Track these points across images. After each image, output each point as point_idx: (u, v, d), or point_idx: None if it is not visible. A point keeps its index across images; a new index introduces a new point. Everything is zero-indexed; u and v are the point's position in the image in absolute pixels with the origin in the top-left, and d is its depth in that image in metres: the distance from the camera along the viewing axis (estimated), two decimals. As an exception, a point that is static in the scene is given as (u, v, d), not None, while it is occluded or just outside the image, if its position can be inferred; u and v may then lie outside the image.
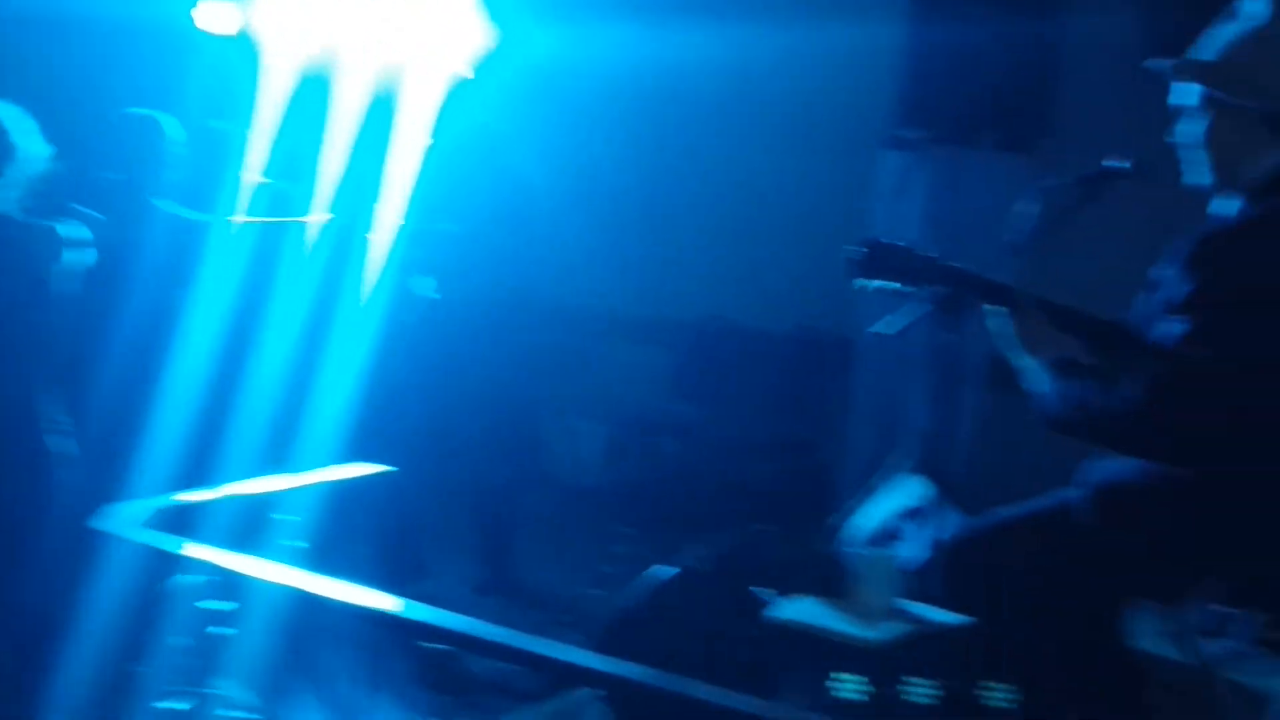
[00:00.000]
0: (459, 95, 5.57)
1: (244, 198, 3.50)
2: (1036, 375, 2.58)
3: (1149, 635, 3.06)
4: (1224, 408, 2.32)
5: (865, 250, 2.66)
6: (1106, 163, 2.81)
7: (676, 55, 5.68)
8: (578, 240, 6.10)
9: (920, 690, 2.36)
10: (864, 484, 4.64)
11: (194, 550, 2.10)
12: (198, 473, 2.93)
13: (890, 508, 4.08)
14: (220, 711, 2.37)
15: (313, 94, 3.76)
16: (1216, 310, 2.34)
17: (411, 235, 4.71)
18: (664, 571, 3.06)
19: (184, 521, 2.41)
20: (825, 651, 2.38)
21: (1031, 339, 2.61)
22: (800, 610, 2.46)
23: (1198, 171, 2.57)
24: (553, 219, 5.99)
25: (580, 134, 6.11)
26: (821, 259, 3.52)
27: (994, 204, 4.04)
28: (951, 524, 2.96)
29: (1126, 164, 2.76)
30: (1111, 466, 2.58)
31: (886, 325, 3.16)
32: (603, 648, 2.85)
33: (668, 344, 6.51)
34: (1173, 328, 2.39)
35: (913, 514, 3.88)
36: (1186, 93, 2.56)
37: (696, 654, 2.85)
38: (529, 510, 5.82)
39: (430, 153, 5.18)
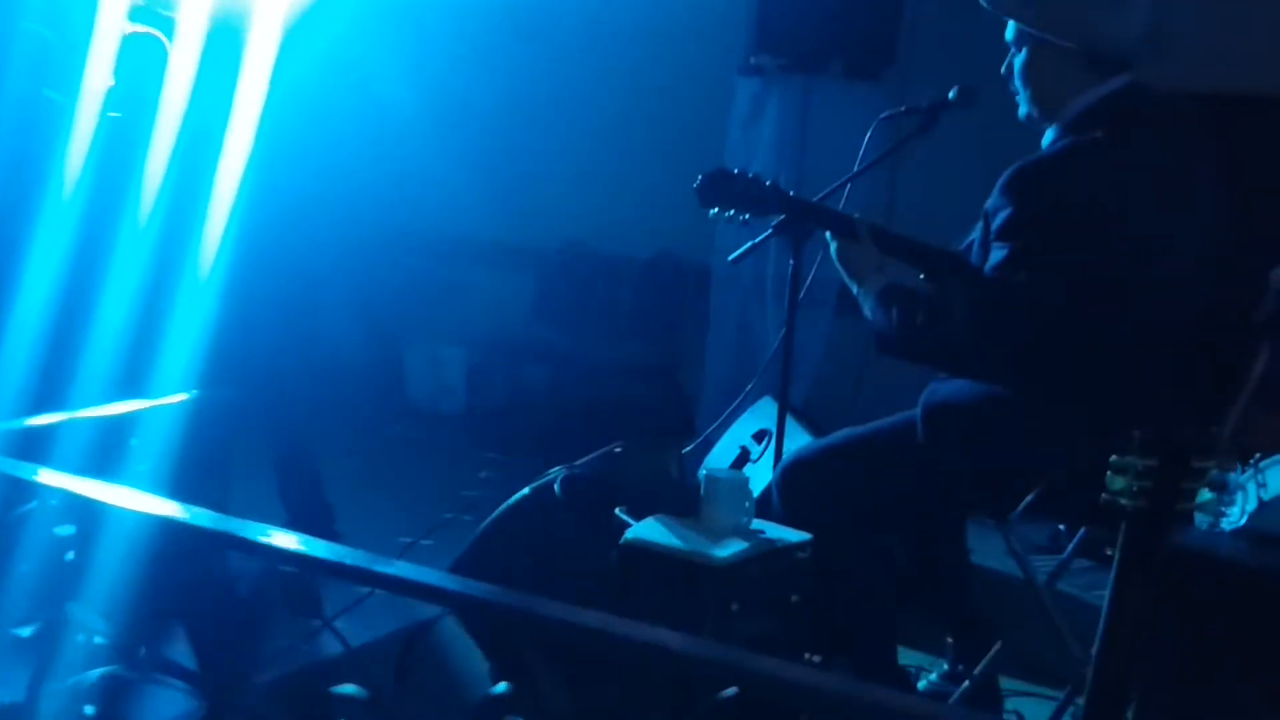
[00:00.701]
0: (312, 18, 5.49)
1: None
2: (869, 301, 2.70)
3: (982, 550, 3.24)
4: (1039, 328, 2.46)
5: (705, 179, 2.74)
6: (950, 94, 2.93)
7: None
8: (437, 166, 6.09)
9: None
10: (720, 407, 4.77)
11: (44, 476, 2.10)
12: (47, 396, 2.90)
13: (742, 432, 4.21)
14: (73, 636, 2.39)
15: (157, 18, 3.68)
16: (1030, 236, 2.46)
17: (266, 160, 4.65)
18: (520, 495, 3.12)
19: (33, 446, 2.40)
20: (675, 570, 2.47)
21: (864, 266, 2.72)
22: (654, 530, 2.54)
23: (1022, 103, 2.69)
24: (412, 145, 5.97)
25: (437, 59, 6.07)
26: (679, 186, 3.60)
27: (845, 131, 4.16)
28: (797, 445, 3.08)
29: (954, 94, 2.88)
30: (944, 388, 2.71)
31: (732, 254, 3.27)
32: (462, 570, 2.92)
33: (529, 270, 6.53)
34: (993, 255, 2.52)
35: (762, 437, 4.01)
36: (1010, 27, 2.67)
37: (553, 577, 2.93)
38: (391, 436, 5.86)
39: (283, 75, 5.12)
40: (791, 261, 3.05)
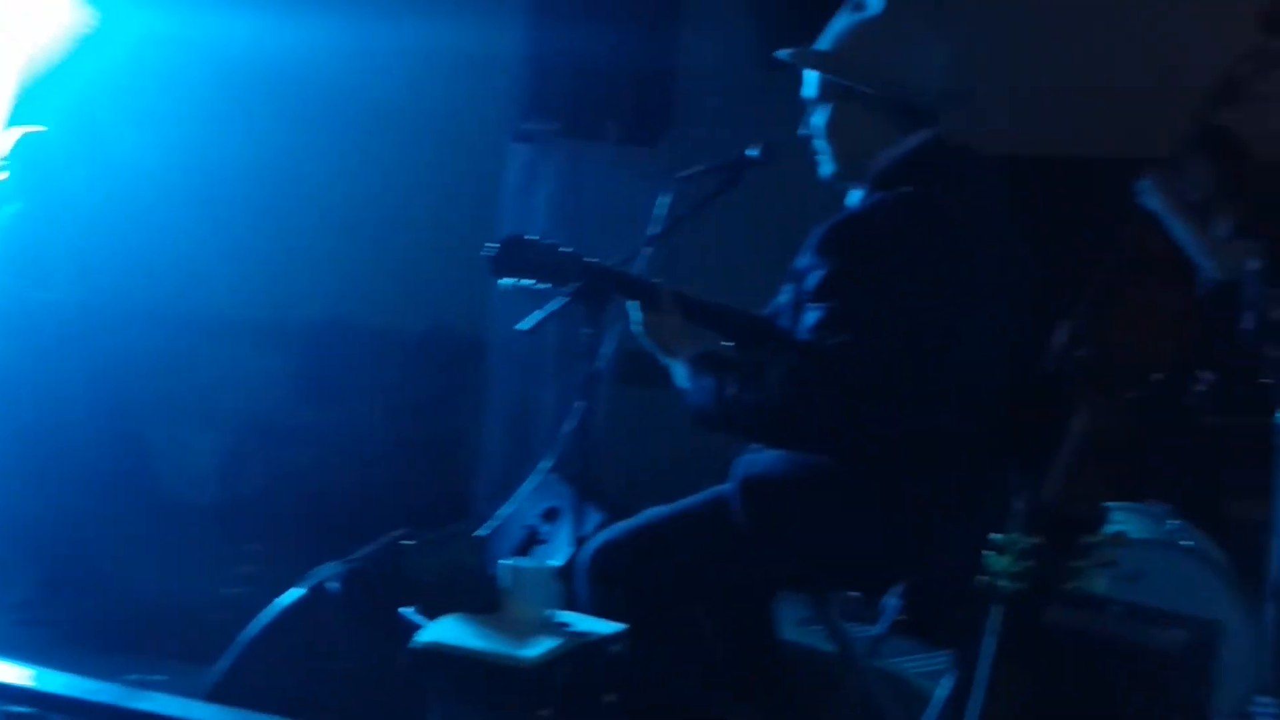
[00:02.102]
0: (56, 79, 5.08)
1: None
2: (679, 371, 2.53)
3: (797, 625, 3.07)
4: (862, 392, 2.32)
5: (500, 247, 2.53)
6: (747, 151, 2.80)
7: (297, 45, 5.38)
8: (186, 238, 5.69)
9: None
10: (498, 487, 4.52)
11: None
12: None
13: (531, 510, 3.97)
14: None
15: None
16: (850, 295, 2.34)
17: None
18: (294, 594, 2.81)
19: None
20: (476, 675, 2.20)
21: (670, 335, 2.56)
22: (450, 630, 2.27)
23: (826, 161, 2.58)
24: (159, 215, 5.57)
25: (189, 124, 5.71)
26: (451, 256, 3.37)
27: (620, 197, 4.02)
28: (593, 523, 2.87)
29: (757, 152, 2.75)
30: (759, 459, 2.55)
31: (526, 322, 3.05)
32: (223, 687, 2.59)
33: (289, 347, 6.17)
34: (808, 317, 2.38)
35: (552, 515, 3.78)
36: (811, 83, 2.56)
37: (334, 688, 2.63)
38: (136, 531, 5.37)
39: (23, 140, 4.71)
40: (587, 331, 2.88)
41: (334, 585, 2.83)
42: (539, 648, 2.23)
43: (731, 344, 2.67)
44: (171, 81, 5.45)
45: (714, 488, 2.59)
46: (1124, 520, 3.43)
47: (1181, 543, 3.28)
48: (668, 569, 2.48)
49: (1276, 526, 3.09)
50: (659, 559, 2.49)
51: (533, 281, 2.58)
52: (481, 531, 3.07)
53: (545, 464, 3.39)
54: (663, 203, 2.90)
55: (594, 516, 3.36)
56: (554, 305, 2.93)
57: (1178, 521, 3.40)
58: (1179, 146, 3.73)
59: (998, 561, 1.33)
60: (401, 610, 2.42)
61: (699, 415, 2.48)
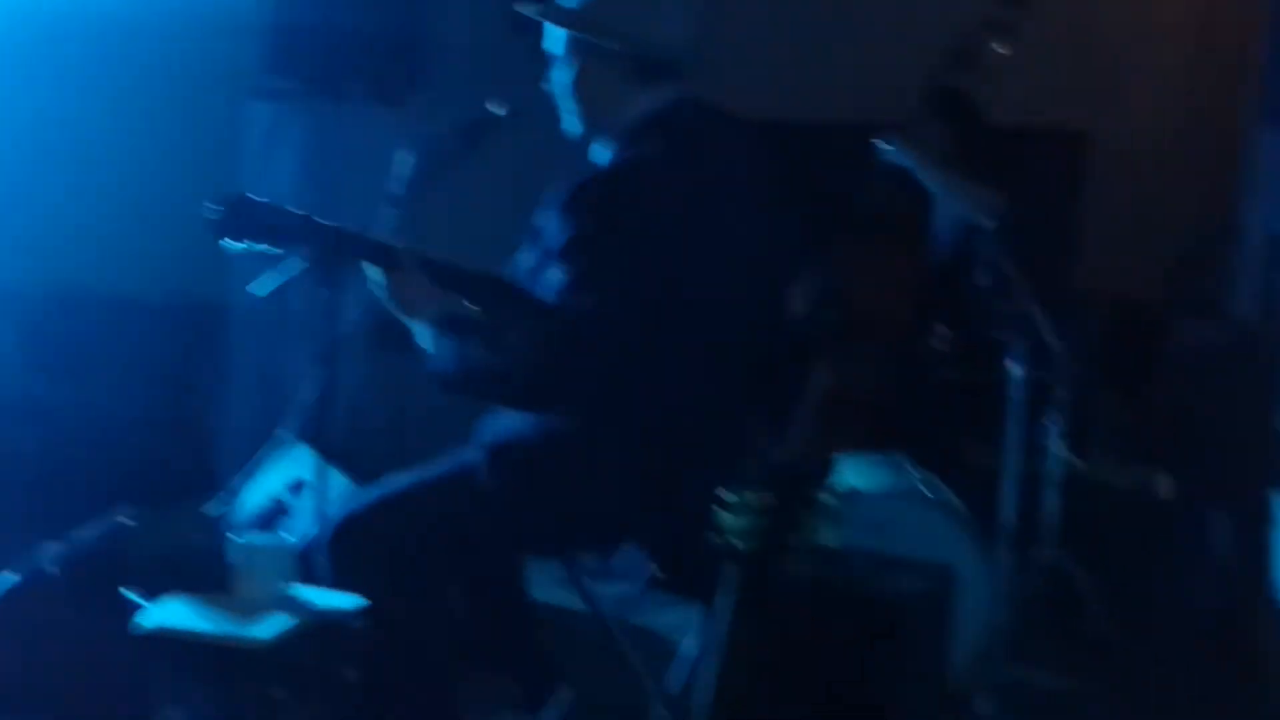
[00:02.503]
0: None
1: None
2: (422, 334, 2.45)
3: (549, 586, 3.03)
4: (610, 354, 2.29)
5: (224, 209, 2.39)
6: (491, 109, 2.72)
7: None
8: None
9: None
10: (246, 459, 4.34)
11: None
12: None
13: (274, 483, 3.81)
14: None
15: None
16: (597, 256, 2.29)
17: None
18: (7, 580, 2.63)
19: None
20: (205, 658, 2.09)
21: (413, 297, 2.46)
22: (174, 612, 2.14)
23: (571, 118, 2.53)
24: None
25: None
26: (189, 219, 3.20)
27: (368, 157, 3.89)
28: (341, 495, 2.77)
29: (503, 110, 2.68)
30: (505, 423, 2.49)
31: (259, 286, 2.91)
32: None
33: (11, 317, 5.79)
34: (553, 278, 2.32)
35: (298, 488, 3.64)
36: (556, 39, 2.50)
37: (53, 676, 2.46)
38: None
39: None
40: (328, 294, 2.76)
41: (52, 568, 2.65)
42: (271, 627, 2.13)
43: (477, 306, 2.60)
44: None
45: (457, 453, 2.52)
46: (869, 472, 3.50)
47: (922, 493, 3.37)
48: (412, 539, 2.39)
49: (1007, 474, 3.21)
50: (403, 529, 2.41)
51: (261, 245, 2.44)
52: (212, 507, 2.92)
53: (284, 434, 3.25)
54: (405, 162, 2.80)
55: (341, 488, 3.25)
56: (290, 269, 2.81)
57: (919, 472, 3.50)
58: (917, 107, 3.81)
59: (729, 520, 1.30)
60: (123, 592, 2.27)
61: (443, 379, 2.40)
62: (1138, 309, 4.43)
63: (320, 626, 2.19)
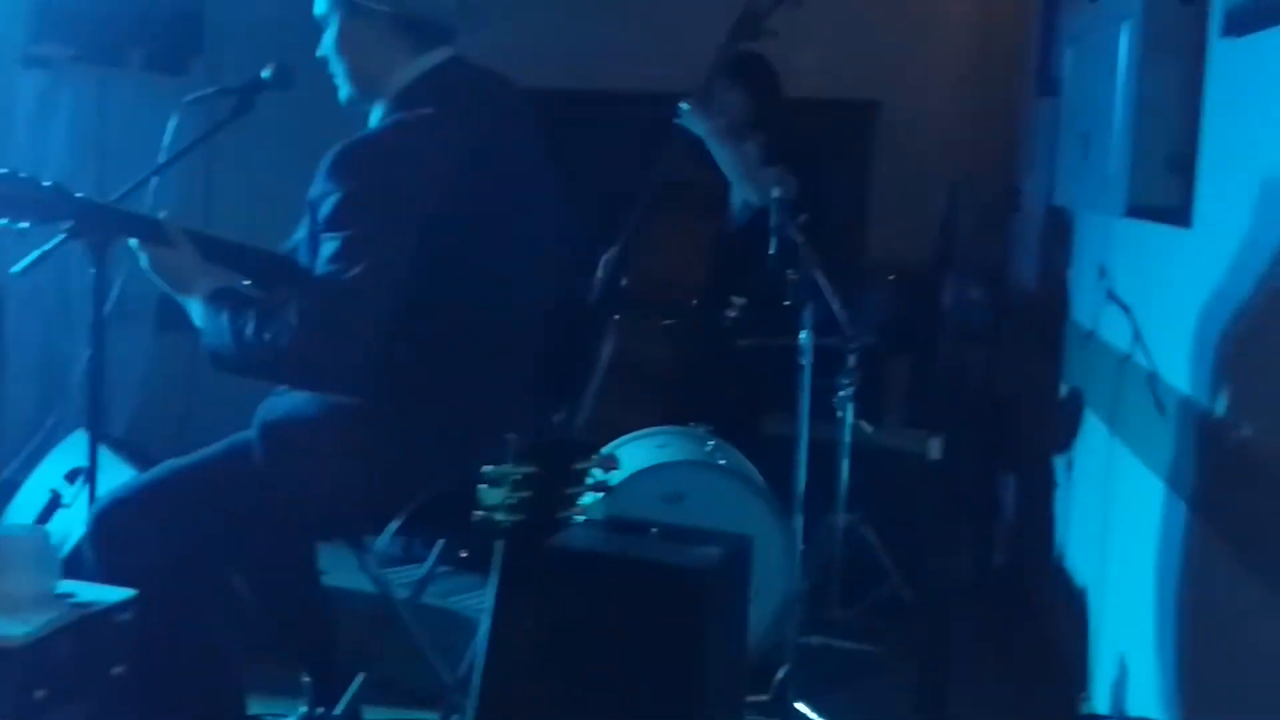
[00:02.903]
0: None
1: None
2: (194, 310, 2.35)
3: (332, 568, 2.95)
4: (379, 325, 2.22)
5: None
6: (261, 73, 2.63)
7: None
8: None
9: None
10: (23, 446, 4.12)
11: None
12: None
13: (52, 469, 3.63)
14: None
15: None
16: (364, 222, 2.22)
17: None
18: None
19: None
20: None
21: (181, 272, 2.36)
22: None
23: (342, 83, 2.45)
24: None
25: None
26: None
27: (146, 127, 3.72)
28: (121, 482, 2.64)
29: (270, 74, 2.58)
30: (280, 402, 2.40)
31: (18, 265, 2.76)
32: None
33: None
34: (324, 248, 2.25)
35: (76, 474, 3.46)
36: (320, 1, 2.42)
37: None
38: None
39: None
40: (94, 271, 2.63)
41: None
42: (30, 624, 2.01)
43: (250, 282, 2.50)
44: None
45: (234, 435, 2.42)
46: (668, 442, 3.51)
47: (719, 462, 3.38)
48: (182, 525, 2.29)
49: (801, 442, 3.24)
50: (172, 515, 2.30)
51: (9, 220, 2.30)
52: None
53: (52, 421, 3.09)
54: (171, 129, 2.68)
55: (123, 475, 3.10)
56: (48, 245, 2.67)
57: (718, 440, 3.51)
58: (710, 73, 3.82)
59: (491, 494, 1.26)
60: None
61: (215, 357, 2.31)
62: (922, 278, 4.54)
63: (85, 622, 2.07)
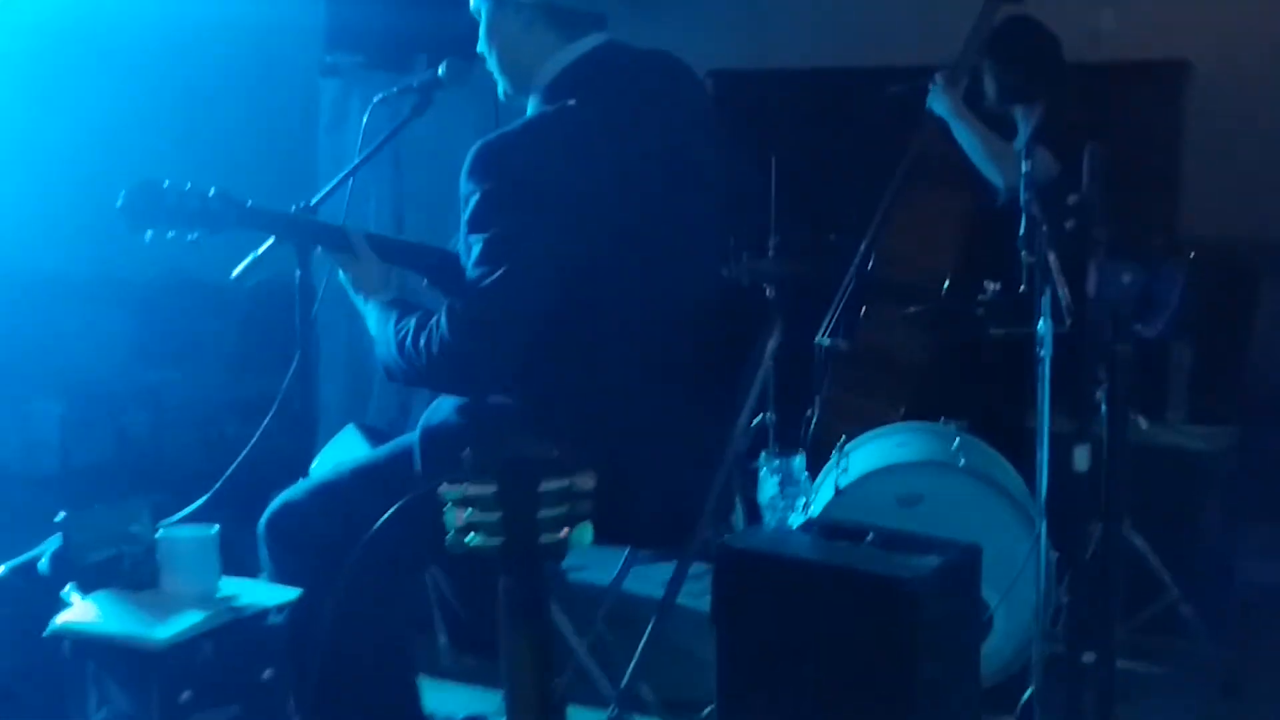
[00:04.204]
0: None
1: None
2: (370, 319, 2.36)
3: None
4: (530, 326, 2.15)
5: (129, 196, 2.32)
6: (438, 71, 2.63)
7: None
8: (10, 197, 5.47)
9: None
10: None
11: None
12: None
13: (323, 465, 3.79)
14: None
15: None
16: (506, 221, 2.16)
17: None
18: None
19: None
20: (111, 659, 2.03)
21: (368, 279, 2.37)
22: (94, 610, 2.10)
23: (498, 78, 2.40)
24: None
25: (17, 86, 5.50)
26: (275, 202, 3.20)
27: (436, 131, 3.82)
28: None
29: (443, 71, 2.57)
30: (442, 405, 2.38)
31: (237, 270, 2.87)
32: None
33: (127, 306, 5.95)
34: (473, 249, 2.20)
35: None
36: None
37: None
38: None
39: None
40: (299, 274, 2.70)
41: (44, 565, 2.64)
42: (177, 625, 2.06)
43: (428, 282, 2.50)
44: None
45: (402, 436, 2.42)
46: (909, 440, 3.29)
47: (959, 463, 3.13)
48: (346, 528, 2.30)
49: (1041, 440, 2.95)
50: (337, 517, 2.32)
51: (176, 232, 2.38)
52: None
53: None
54: (363, 130, 2.73)
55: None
56: (260, 250, 2.76)
57: (968, 438, 3.26)
58: (966, 44, 3.55)
59: (452, 515, 1.16)
60: (61, 594, 2.23)
61: (384, 367, 2.32)
62: (1234, 256, 4.07)
63: (235, 625, 2.10)
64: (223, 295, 5.76)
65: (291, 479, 2.59)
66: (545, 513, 1.14)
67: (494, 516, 1.14)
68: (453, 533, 1.15)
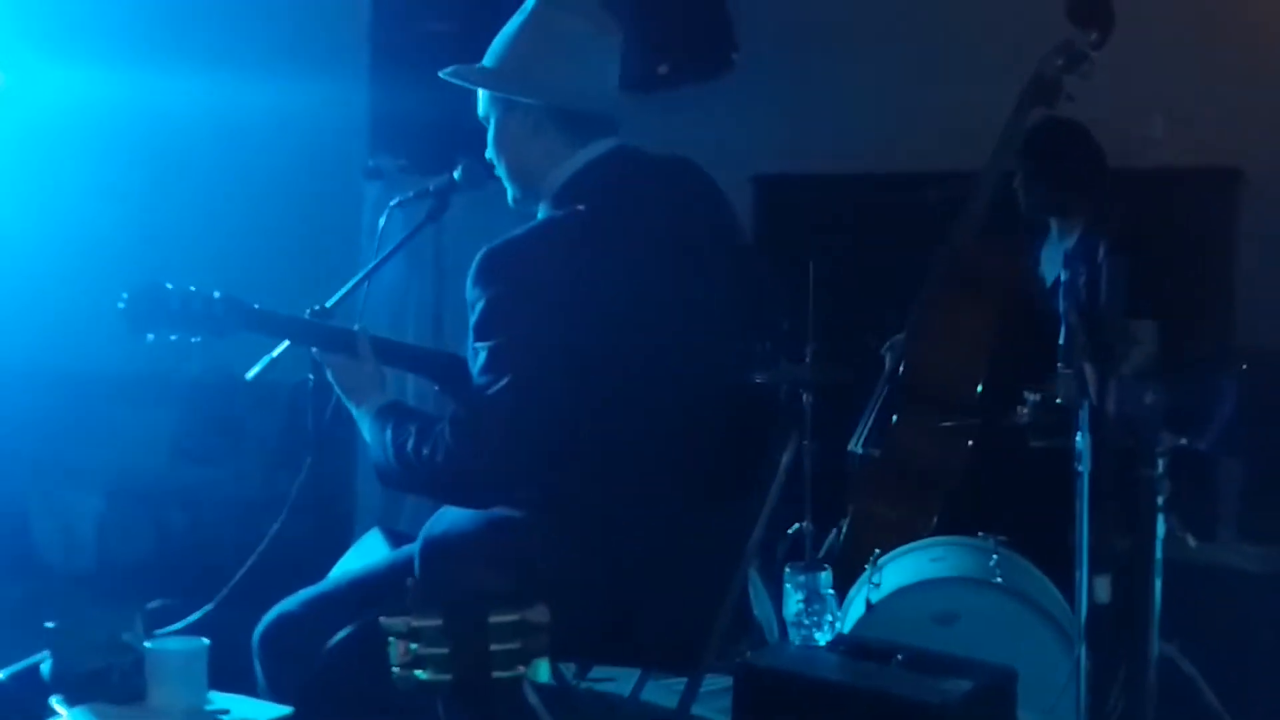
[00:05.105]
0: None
1: None
2: (363, 424, 2.30)
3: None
4: (531, 437, 2.08)
5: (131, 299, 2.29)
6: (454, 174, 2.60)
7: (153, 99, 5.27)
8: (58, 294, 5.52)
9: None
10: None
11: None
12: None
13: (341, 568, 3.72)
14: None
15: None
16: (509, 330, 2.10)
17: None
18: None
19: None
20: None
21: (364, 383, 2.32)
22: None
23: (506, 183, 2.36)
24: (31, 271, 5.41)
25: (50, 181, 5.58)
26: (319, 296, 3.20)
27: (476, 231, 3.82)
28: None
29: (459, 174, 2.53)
30: (444, 516, 2.30)
31: (252, 370, 2.83)
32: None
33: (168, 403, 5.97)
34: (477, 357, 2.14)
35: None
36: (480, 100, 2.35)
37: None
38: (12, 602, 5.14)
39: None
40: (311, 378, 2.66)
41: (45, 670, 2.57)
42: (157, 742, 1.98)
43: (440, 389, 2.44)
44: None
45: (403, 547, 2.35)
46: (945, 555, 3.17)
47: (996, 580, 3.00)
48: (342, 640, 2.22)
49: (1081, 558, 2.82)
50: (331, 631, 2.23)
51: (178, 336, 2.34)
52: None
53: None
54: (379, 233, 2.70)
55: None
56: (275, 352, 2.72)
57: (1006, 553, 3.13)
58: (997, 148, 3.48)
59: (399, 649, 1.08)
60: (51, 700, 2.16)
61: (380, 473, 2.25)
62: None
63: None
64: (265, 392, 5.76)
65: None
66: (497, 647, 1.05)
67: (442, 651, 1.05)
68: (398, 667, 1.07)
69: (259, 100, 5.20)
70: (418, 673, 1.08)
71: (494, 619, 1.05)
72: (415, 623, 1.06)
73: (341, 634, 1.62)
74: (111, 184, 5.74)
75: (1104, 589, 2.30)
